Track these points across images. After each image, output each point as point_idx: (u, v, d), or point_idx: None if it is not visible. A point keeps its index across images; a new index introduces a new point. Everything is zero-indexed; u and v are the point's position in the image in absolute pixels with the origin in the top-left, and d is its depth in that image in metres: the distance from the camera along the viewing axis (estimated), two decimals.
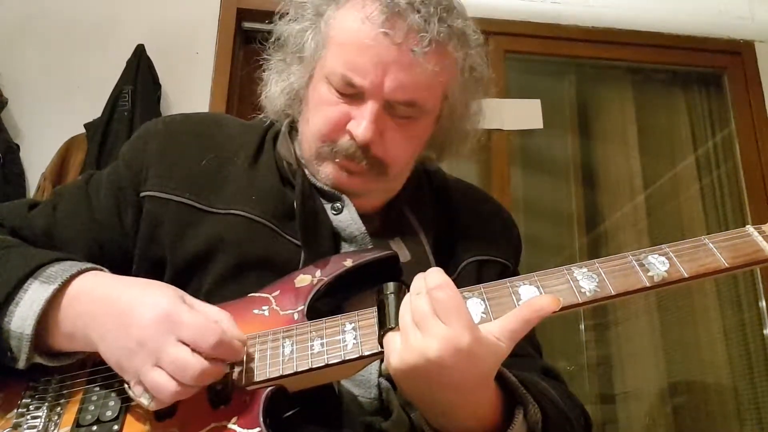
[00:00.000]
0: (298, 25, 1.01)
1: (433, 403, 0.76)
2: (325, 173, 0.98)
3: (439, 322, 0.69)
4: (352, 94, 0.94)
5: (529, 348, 1.04)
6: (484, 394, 0.76)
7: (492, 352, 0.71)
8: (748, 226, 0.80)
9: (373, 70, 0.92)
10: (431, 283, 0.72)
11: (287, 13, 1.04)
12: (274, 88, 1.04)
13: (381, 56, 0.92)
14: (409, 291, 0.75)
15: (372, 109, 0.93)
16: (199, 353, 0.72)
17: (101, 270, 0.85)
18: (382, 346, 0.74)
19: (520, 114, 2.79)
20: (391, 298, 0.75)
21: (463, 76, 1.00)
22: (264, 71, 1.07)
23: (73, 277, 0.81)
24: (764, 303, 2.71)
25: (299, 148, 1.04)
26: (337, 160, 0.97)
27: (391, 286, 0.76)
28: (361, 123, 0.93)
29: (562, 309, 0.75)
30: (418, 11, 0.92)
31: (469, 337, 0.68)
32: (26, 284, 0.80)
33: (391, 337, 0.73)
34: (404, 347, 0.71)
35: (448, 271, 1.01)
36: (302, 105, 1.03)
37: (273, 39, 1.06)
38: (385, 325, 0.74)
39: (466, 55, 0.99)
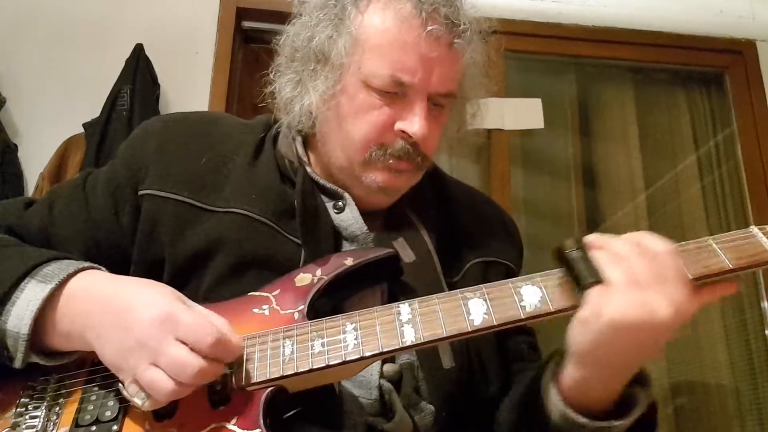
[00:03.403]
0: (323, 32, 0.98)
1: (615, 363, 0.77)
2: (372, 178, 0.97)
3: (670, 284, 0.72)
4: (394, 94, 0.94)
5: (534, 354, 1.06)
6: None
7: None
8: (752, 227, 0.79)
9: (421, 68, 0.93)
10: (660, 247, 0.74)
11: (300, 21, 1.01)
12: (305, 101, 0.99)
13: (427, 53, 0.93)
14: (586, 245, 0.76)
15: (422, 105, 0.95)
16: (197, 352, 0.72)
17: (98, 269, 0.84)
18: (577, 301, 0.75)
19: (521, 113, 2.78)
20: (578, 255, 0.76)
21: (474, 59, 1.02)
22: (283, 86, 1.03)
23: (70, 276, 0.80)
24: (766, 304, 2.71)
25: (300, 147, 1.03)
26: (390, 162, 0.96)
27: (571, 242, 0.77)
28: (415, 120, 0.94)
29: (563, 311, 0.77)
30: (449, 5, 0.94)
31: (694, 306, 0.74)
32: (23, 283, 0.79)
33: (602, 291, 0.73)
34: (628, 302, 0.71)
35: (453, 272, 1.01)
36: (330, 113, 0.99)
37: (288, 50, 1.02)
38: (585, 280, 0.74)
39: (480, 41, 1.01)
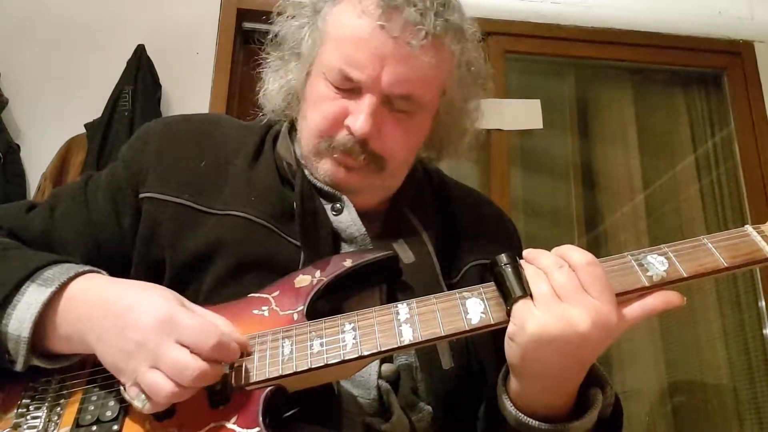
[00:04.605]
0: (296, 22, 1.01)
1: (548, 375, 0.77)
2: (323, 170, 0.98)
3: (590, 296, 0.72)
4: (349, 89, 0.94)
5: None
6: (586, 370, 0.79)
7: (621, 332, 0.75)
8: (746, 226, 0.80)
9: (370, 64, 0.92)
10: (580, 259, 0.74)
11: (285, 12, 1.04)
12: (272, 86, 1.05)
13: (378, 50, 0.92)
14: (519, 261, 0.76)
15: (369, 103, 0.93)
16: (198, 355, 0.72)
17: (99, 272, 0.85)
18: (508, 315, 0.75)
19: (520, 114, 2.79)
20: (509, 269, 0.75)
21: (460, 71, 1.00)
22: (262, 70, 1.08)
23: (70, 279, 0.81)
24: (764, 303, 2.71)
25: (299, 147, 1.04)
26: (335, 156, 0.96)
27: (504, 257, 0.76)
28: (359, 117, 0.93)
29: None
30: (415, 5, 0.92)
31: (617, 316, 0.73)
32: (23, 287, 0.80)
33: (524, 305, 0.73)
34: (548, 316, 0.72)
35: (452, 273, 1.01)
36: (300, 102, 1.03)
37: (271, 37, 1.06)
38: (511, 295, 0.74)
39: (463, 50, 0.99)
